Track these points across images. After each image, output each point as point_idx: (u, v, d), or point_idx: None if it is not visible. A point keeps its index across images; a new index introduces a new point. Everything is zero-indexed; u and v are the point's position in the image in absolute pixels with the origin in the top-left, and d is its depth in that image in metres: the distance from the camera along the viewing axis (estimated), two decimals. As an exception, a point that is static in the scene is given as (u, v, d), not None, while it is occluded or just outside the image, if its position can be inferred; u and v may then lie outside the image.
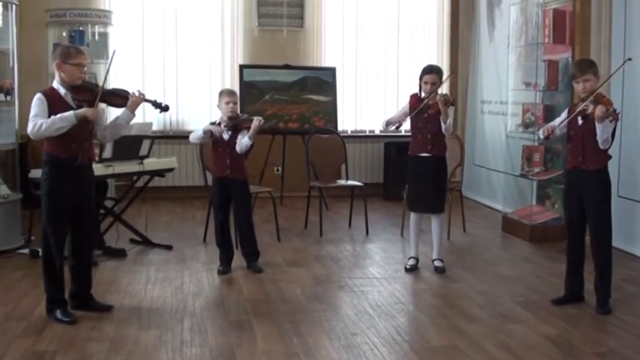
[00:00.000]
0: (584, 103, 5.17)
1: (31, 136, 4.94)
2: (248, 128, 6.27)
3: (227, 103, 6.33)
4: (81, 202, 5.09)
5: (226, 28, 10.34)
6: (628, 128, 6.61)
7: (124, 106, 5.22)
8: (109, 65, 5.31)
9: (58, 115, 4.84)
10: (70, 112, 4.85)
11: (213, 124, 6.45)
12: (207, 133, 6.32)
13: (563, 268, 5.68)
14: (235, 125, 6.31)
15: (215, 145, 6.38)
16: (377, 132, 10.68)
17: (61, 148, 4.93)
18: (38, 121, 4.83)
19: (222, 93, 6.49)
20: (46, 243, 5.03)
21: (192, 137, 6.48)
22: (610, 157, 5.35)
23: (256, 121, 6.25)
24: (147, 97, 5.31)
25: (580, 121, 5.28)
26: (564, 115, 5.57)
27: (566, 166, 5.67)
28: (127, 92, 5.27)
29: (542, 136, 5.62)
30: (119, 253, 6.85)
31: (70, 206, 5.03)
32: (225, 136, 6.34)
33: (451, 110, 6.19)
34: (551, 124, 5.56)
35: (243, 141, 6.28)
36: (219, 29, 10.33)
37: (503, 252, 7.38)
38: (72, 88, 5.00)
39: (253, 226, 6.55)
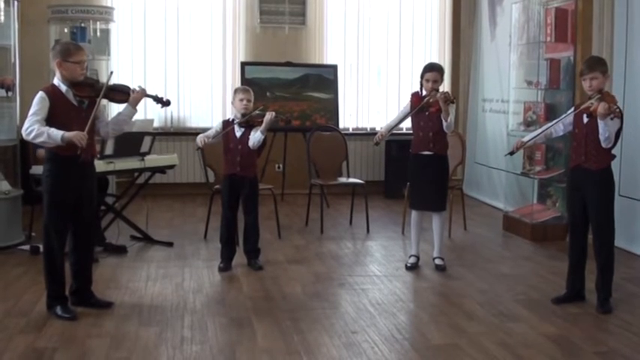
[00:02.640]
0: (590, 101, 5.16)
1: (23, 135, 4.93)
2: (260, 123, 6.27)
3: (241, 100, 6.34)
4: (82, 198, 5.09)
5: (228, 25, 10.34)
6: (629, 127, 6.59)
7: (126, 102, 5.23)
8: (107, 82, 5.26)
9: (49, 130, 4.80)
10: (59, 134, 4.80)
11: (226, 121, 6.49)
12: (212, 139, 6.33)
13: (563, 267, 5.69)
14: (248, 121, 6.30)
15: (226, 142, 6.37)
16: (378, 129, 10.68)
17: (64, 145, 4.92)
18: (34, 124, 4.81)
19: (237, 90, 6.52)
20: (47, 239, 5.03)
21: (198, 141, 6.44)
22: (614, 156, 5.32)
23: (269, 115, 6.24)
24: (148, 92, 5.32)
25: (585, 120, 5.27)
26: (548, 124, 5.60)
27: (569, 164, 5.67)
28: (128, 88, 5.27)
29: (512, 149, 5.66)
30: (120, 250, 6.85)
31: (71, 203, 5.03)
32: (238, 133, 6.34)
33: (452, 108, 6.19)
34: (523, 139, 5.65)
35: (255, 136, 6.27)
36: (221, 26, 10.33)
37: (503, 250, 7.38)
38: (73, 84, 5.00)
39: (259, 223, 6.55)
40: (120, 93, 5.25)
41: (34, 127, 4.81)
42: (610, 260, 5.33)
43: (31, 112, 4.87)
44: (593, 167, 5.26)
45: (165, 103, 5.45)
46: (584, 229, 5.44)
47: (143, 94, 5.25)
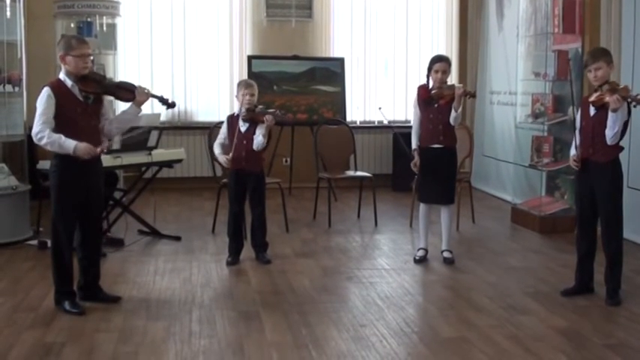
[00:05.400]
0: (600, 92, 5.11)
1: (33, 138, 4.91)
2: (261, 120, 6.26)
3: (244, 95, 6.31)
4: (90, 194, 5.08)
5: (235, 18, 10.32)
6: (638, 118, 6.56)
7: (131, 100, 5.20)
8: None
9: (61, 140, 4.82)
10: (71, 145, 4.82)
11: (231, 116, 6.49)
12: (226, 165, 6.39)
13: (572, 259, 5.66)
14: (252, 118, 6.29)
15: (232, 136, 6.36)
16: (386, 123, 10.68)
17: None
18: (44, 129, 4.81)
19: (240, 84, 6.48)
20: (55, 235, 5.03)
21: (215, 150, 6.54)
22: (622, 148, 5.28)
23: (269, 118, 6.20)
24: (154, 92, 5.29)
25: (592, 112, 5.23)
26: (576, 126, 5.50)
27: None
28: (134, 86, 5.23)
29: (576, 167, 5.49)
30: (117, 243, 6.87)
31: (79, 198, 5.02)
32: (242, 128, 6.33)
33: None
34: (572, 152, 5.49)
35: (257, 140, 6.27)
36: (228, 20, 10.31)
37: (512, 243, 7.35)
38: (79, 79, 4.98)
39: (266, 217, 6.54)
40: (126, 91, 5.21)
41: (44, 134, 4.81)
42: (619, 252, 5.30)
43: (38, 111, 4.86)
44: (601, 159, 5.23)
45: (171, 105, 5.42)
46: (593, 221, 5.41)
47: (148, 94, 5.22)
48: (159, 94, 5.34)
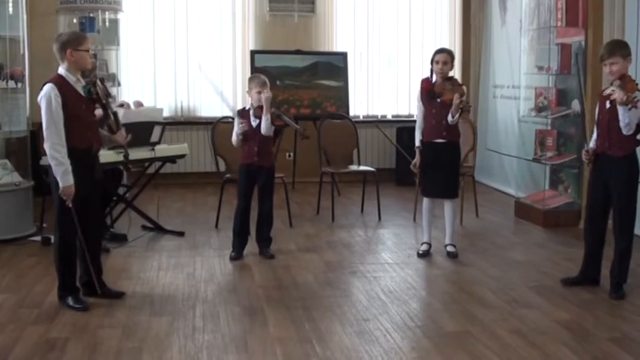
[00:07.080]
0: (611, 88, 5.10)
1: (46, 142, 4.85)
2: (279, 126, 6.34)
3: (258, 92, 6.29)
4: (92, 188, 5.08)
5: (237, 13, 10.31)
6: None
7: (110, 132, 5.22)
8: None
9: (67, 169, 4.81)
10: (68, 180, 4.82)
11: (241, 110, 6.49)
12: (240, 136, 6.32)
13: (576, 253, 5.67)
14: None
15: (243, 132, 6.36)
16: (389, 117, 10.68)
17: (80, 139, 4.91)
18: (61, 147, 4.80)
19: (252, 81, 6.45)
20: (60, 231, 5.02)
21: (234, 143, 6.45)
22: (639, 142, 5.24)
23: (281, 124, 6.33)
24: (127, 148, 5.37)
25: (607, 105, 5.20)
26: (595, 121, 5.46)
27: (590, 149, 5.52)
28: (120, 127, 5.26)
29: (585, 161, 5.49)
30: (121, 238, 6.88)
31: (82, 193, 5.00)
32: (254, 123, 6.32)
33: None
34: (590, 146, 5.44)
35: (264, 126, 6.27)
36: (230, 15, 10.30)
37: (515, 237, 7.34)
38: (100, 78, 5.03)
39: (273, 212, 6.54)
40: (114, 123, 5.20)
41: (60, 152, 4.81)
42: (629, 247, 5.27)
43: (48, 115, 4.81)
44: (617, 153, 5.18)
45: (125, 165, 5.55)
46: (604, 215, 5.37)
47: (123, 143, 5.29)
48: (127, 152, 5.34)
